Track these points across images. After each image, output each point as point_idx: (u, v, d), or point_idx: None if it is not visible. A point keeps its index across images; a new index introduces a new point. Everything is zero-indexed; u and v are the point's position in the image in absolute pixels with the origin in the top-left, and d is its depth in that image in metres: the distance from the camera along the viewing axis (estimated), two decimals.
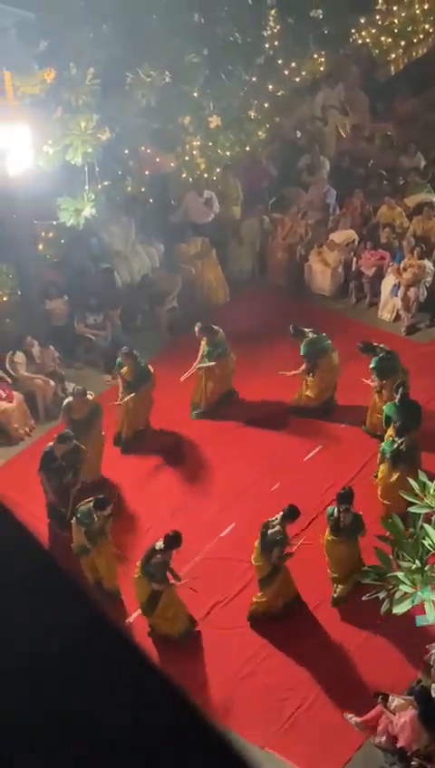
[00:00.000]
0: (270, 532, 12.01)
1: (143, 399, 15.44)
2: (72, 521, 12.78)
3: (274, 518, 12.10)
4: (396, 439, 13.19)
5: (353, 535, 12.34)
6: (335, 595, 12.63)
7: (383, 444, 13.45)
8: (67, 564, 13.09)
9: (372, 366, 14.86)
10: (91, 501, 12.65)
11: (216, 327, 15.94)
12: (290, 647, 12.23)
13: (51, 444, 13.74)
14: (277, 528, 12.00)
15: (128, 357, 15.21)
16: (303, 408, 15.97)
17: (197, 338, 15.88)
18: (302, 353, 15.57)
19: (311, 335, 15.57)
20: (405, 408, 13.91)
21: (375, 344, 15.06)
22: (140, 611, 12.34)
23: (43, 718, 2.10)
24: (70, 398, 14.78)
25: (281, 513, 12.12)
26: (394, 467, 13.15)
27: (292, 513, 12.12)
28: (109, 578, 12.87)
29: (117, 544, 13.25)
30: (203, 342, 15.83)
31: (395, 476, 13.04)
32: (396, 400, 14.01)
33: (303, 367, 15.61)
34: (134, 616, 12.57)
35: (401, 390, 14.04)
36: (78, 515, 12.63)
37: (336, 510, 12.31)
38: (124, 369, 15.27)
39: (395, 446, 13.15)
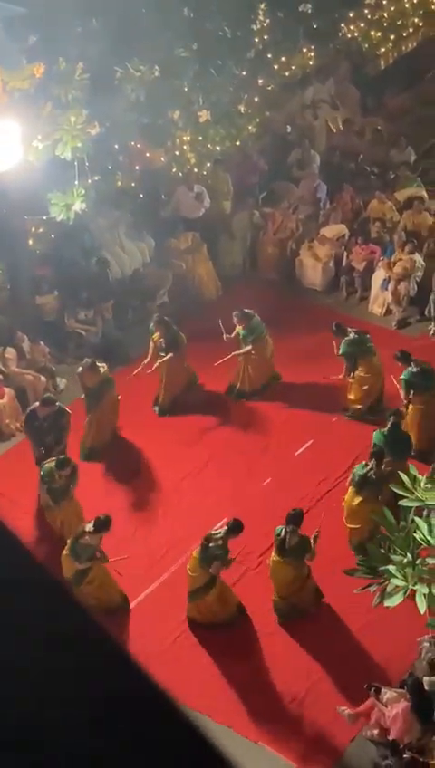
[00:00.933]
0: (211, 545, 11.90)
1: (178, 365, 15.83)
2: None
3: (217, 531, 12.00)
4: (368, 463, 12.83)
5: (299, 557, 12.06)
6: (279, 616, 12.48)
7: (357, 466, 13.04)
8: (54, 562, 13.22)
9: (402, 377, 14.57)
10: (53, 460, 13.11)
11: (249, 311, 15.95)
12: (282, 641, 12.24)
13: (36, 404, 14.32)
14: (220, 543, 11.89)
15: (160, 324, 15.62)
16: (352, 411, 15.76)
17: (235, 323, 15.96)
18: (341, 353, 15.45)
19: (352, 335, 15.41)
20: (393, 438, 13.49)
21: (411, 356, 14.66)
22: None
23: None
24: (80, 369, 15.18)
25: (225, 527, 12.01)
26: (358, 492, 12.78)
27: (236, 528, 11.96)
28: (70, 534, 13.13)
29: (111, 537, 13.30)
30: (239, 328, 15.86)
31: (357, 501, 12.74)
32: (386, 429, 13.57)
33: (344, 369, 15.55)
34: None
35: (392, 419, 13.65)
36: (41, 473, 13.19)
37: (284, 530, 12.05)
38: (156, 336, 15.62)
39: (365, 470, 12.78)
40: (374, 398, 15.68)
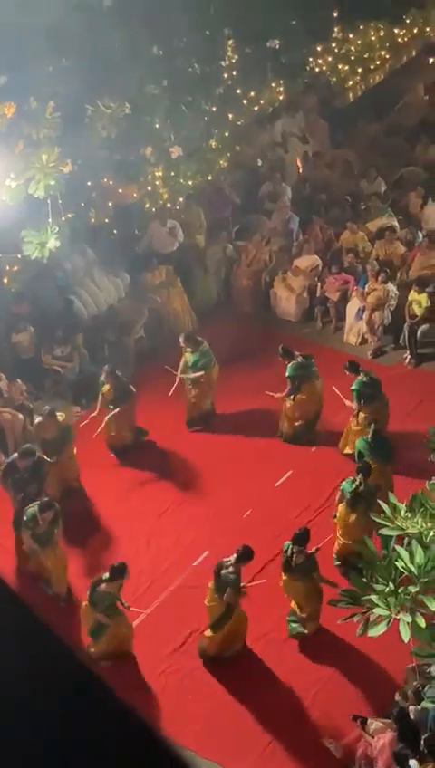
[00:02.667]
0: (223, 572, 11.92)
1: (125, 418, 15.67)
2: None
3: (228, 559, 12.03)
4: (356, 479, 13.02)
5: (307, 574, 12.20)
6: (298, 630, 12.55)
7: (344, 483, 13.26)
8: (32, 596, 13.15)
9: (353, 388, 14.91)
10: (35, 504, 12.93)
11: (199, 338, 16.07)
12: (268, 673, 12.19)
13: (14, 456, 14.03)
14: (230, 569, 11.92)
15: (110, 375, 15.50)
16: (286, 434, 16.06)
17: (181, 347, 16.09)
18: (287, 375, 15.64)
19: (299, 358, 15.64)
20: (377, 444, 13.85)
21: (360, 367, 15.09)
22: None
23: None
24: (39, 418, 14.93)
25: (235, 554, 12.01)
26: (352, 509, 12.93)
27: (246, 555, 11.96)
28: (58, 581, 13.23)
29: (87, 574, 13.29)
30: (187, 353, 15.89)
31: (353, 518, 12.90)
32: (368, 437, 13.93)
33: (287, 389, 15.70)
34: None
35: (373, 426, 14.04)
36: (24, 518, 12.97)
37: (290, 548, 12.20)
38: (106, 388, 15.50)
39: (354, 486, 12.98)
40: (310, 421, 15.96)
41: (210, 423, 16.55)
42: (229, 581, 11.84)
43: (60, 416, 14.85)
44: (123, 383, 15.69)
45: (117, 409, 15.56)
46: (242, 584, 12.02)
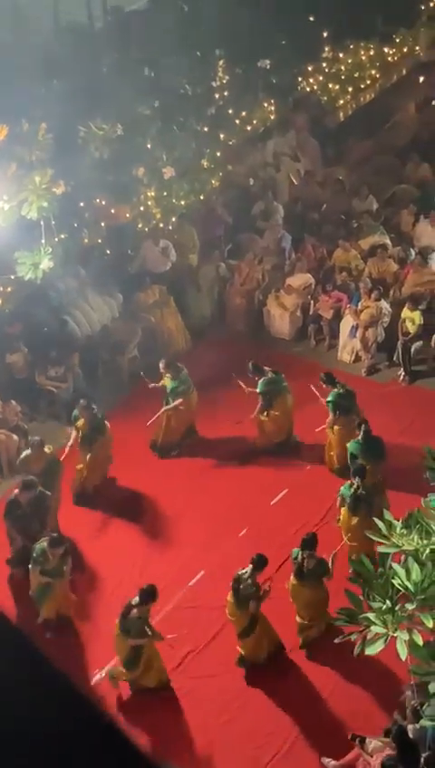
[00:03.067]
0: (242, 586, 11.93)
1: (100, 453, 15.44)
2: (30, 564, 12.81)
3: (243, 571, 12.02)
4: (354, 482, 13.22)
5: (318, 580, 12.30)
6: (302, 640, 12.58)
7: (343, 488, 13.45)
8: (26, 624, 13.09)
9: (328, 399, 15.08)
10: (46, 539, 12.68)
11: (180, 364, 16.07)
12: (265, 693, 12.14)
13: (15, 491, 13.70)
14: (249, 581, 11.94)
15: (85, 410, 15.20)
16: (261, 448, 16.16)
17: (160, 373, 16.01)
18: (259, 390, 15.70)
19: (270, 374, 15.71)
20: (368, 444, 14.08)
21: (337, 379, 15.27)
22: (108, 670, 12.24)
23: None
24: (28, 451, 14.69)
25: (250, 564, 12.05)
26: (354, 512, 13.11)
27: (261, 563, 12.04)
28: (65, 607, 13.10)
29: (87, 601, 13.25)
30: (167, 378, 15.87)
31: (355, 521, 13.04)
32: (359, 437, 14.16)
33: (258, 406, 15.78)
34: (103, 672, 12.46)
35: (363, 427, 14.20)
36: (33, 555, 12.66)
37: (300, 554, 12.31)
38: (80, 422, 15.25)
39: (352, 489, 13.16)
40: (285, 435, 16.13)
41: (183, 447, 16.44)
42: (250, 593, 11.89)
43: (48, 448, 14.64)
44: (98, 419, 15.32)
45: (88, 455, 15.27)
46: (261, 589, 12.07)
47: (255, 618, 12.10)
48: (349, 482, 13.40)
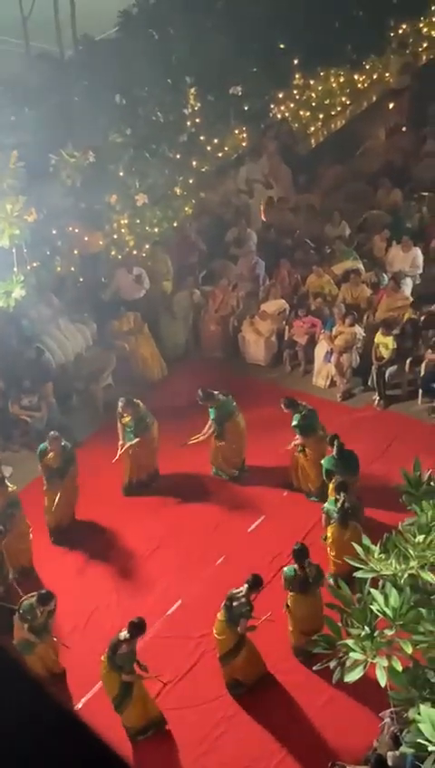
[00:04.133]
0: (235, 604, 11.86)
1: (71, 485, 15.24)
2: (15, 617, 12.43)
3: (238, 590, 11.94)
4: (338, 497, 13.24)
5: (318, 587, 12.33)
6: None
7: (327, 504, 13.46)
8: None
9: (293, 424, 15.09)
10: (34, 595, 12.37)
11: (136, 401, 15.90)
12: (245, 721, 12.04)
13: None
14: (243, 600, 11.85)
15: (55, 441, 14.97)
16: (227, 473, 16.18)
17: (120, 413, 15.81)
18: (211, 418, 15.72)
19: (221, 397, 15.75)
20: (344, 459, 14.19)
21: (298, 402, 15.30)
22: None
23: None
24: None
25: (245, 584, 11.97)
26: (344, 526, 13.17)
27: (256, 583, 12.00)
28: (55, 664, 12.80)
29: (63, 636, 13.09)
30: (126, 417, 15.74)
31: (347, 535, 12.96)
32: (334, 453, 14.23)
33: (209, 430, 15.80)
34: (83, 701, 12.30)
35: (336, 442, 14.28)
36: (21, 611, 12.30)
37: (298, 567, 12.30)
38: (50, 456, 15.00)
39: (339, 504, 13.18)
40: (241, 458, 16.17)
41: (152, 486, 16.24)
42: (243, 612, 11.84)
43: (11, 487, 14.39)
44: (69, 450, 15.14)
45: (59, 490, 15.03)
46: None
47: (242, 640, 12.00)
48: (333, 498, 13.38)
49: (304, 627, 12.38)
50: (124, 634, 11.53)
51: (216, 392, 15.79)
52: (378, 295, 19.23)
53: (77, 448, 15.93)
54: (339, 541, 13.14)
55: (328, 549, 13.44)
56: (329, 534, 13.40)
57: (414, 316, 18.44)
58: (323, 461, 14.40)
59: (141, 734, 11.90)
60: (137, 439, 15.73)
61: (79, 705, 12.24)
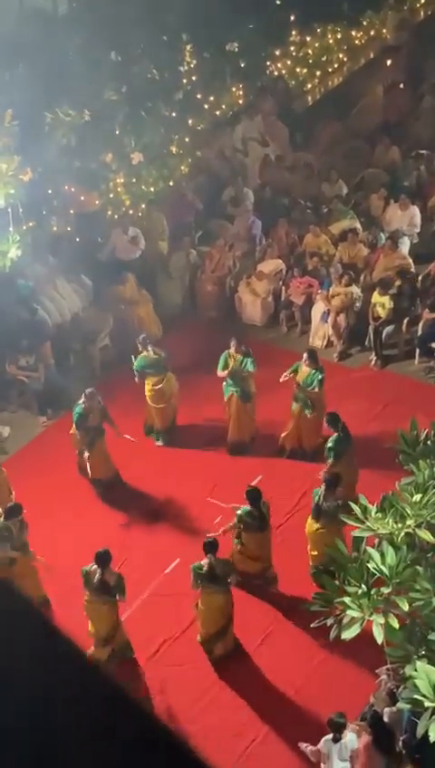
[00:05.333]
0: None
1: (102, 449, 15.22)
2: None
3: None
4: (320, 491, 12.71)
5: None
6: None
7: (316, 489, 12.98)
8: None
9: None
10: (1, 515, 12.72)
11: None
12: (242, 679, 12.13)
13: None
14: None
15: (91, 398, 14.85)
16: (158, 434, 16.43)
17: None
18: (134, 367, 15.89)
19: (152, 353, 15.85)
20: (347, 435, 13.85)
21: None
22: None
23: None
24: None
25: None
26: (315, 519, 12.79)
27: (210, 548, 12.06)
28: (35, 587, 13.03)
29: (59, 590, 13.15)
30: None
31: (316, 527, 12.76)
32: (339, 431, 13.79)
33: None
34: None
35: (341, 424, 13.85)
36: None
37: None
38: (91, 416, 14.80)
39: (317, 498, 12.69)
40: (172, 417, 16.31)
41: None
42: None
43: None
44: (103, 407, 15.00)
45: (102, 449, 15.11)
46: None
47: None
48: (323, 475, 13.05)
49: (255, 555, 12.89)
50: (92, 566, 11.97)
51: (150, 348, 15.82)
52: (375, 255, 19.17)
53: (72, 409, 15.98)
54: (310, 532, 12.95)
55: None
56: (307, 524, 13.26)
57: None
58: (331, 440, 13.90)
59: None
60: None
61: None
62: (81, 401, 14.74)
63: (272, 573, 13.23)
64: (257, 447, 15.90)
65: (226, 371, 15.45)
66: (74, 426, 14.90)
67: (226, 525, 12.90)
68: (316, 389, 14.92)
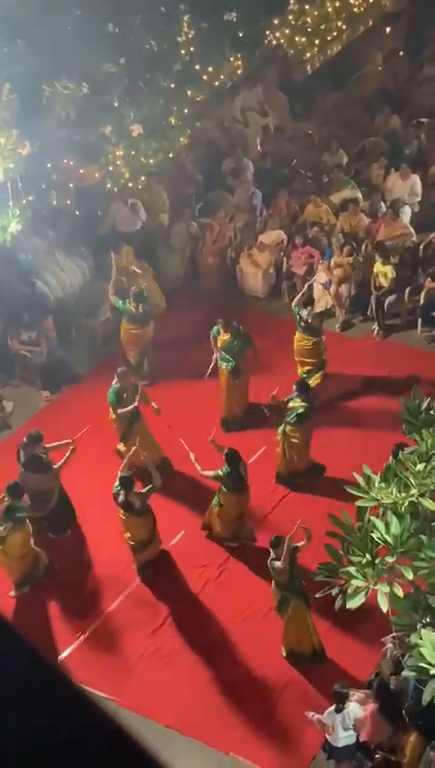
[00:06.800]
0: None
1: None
2: None
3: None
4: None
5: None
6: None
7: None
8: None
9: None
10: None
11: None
12: (248, 649, 12.21)
13: None
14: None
15: (126, 377, 14.72)
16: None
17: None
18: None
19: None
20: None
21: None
22: None
23: None
24: None
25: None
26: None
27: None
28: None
29: (67, 564, 13.24)
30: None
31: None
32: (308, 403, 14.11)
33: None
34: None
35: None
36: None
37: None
38: (126, 396, 14.66)
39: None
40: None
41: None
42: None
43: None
44: (136, 386, 14.94)
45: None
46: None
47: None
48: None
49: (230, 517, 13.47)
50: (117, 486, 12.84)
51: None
52: (376, 224, 19.10)
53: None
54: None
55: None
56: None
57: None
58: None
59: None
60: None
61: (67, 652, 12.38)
62: (113, 382, 14.57)
63: (247, 530, 13.66)
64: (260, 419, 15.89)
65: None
66: (111, 409, 14.61)
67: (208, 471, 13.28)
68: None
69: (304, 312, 15.53)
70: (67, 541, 13.95)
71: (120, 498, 12.85)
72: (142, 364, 16.84)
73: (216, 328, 15.68)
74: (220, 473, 13.14)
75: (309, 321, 15.53)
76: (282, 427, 14.26)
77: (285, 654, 12.00)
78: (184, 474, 14.95)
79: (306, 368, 15.69)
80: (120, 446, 14.82)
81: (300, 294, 15.83)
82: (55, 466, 13.56)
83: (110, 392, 14.56)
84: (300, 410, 13.97)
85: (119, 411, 14.53)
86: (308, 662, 11.97)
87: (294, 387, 14.23)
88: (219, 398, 15.94)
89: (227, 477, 13.14)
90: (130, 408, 14.41)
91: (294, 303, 15.76)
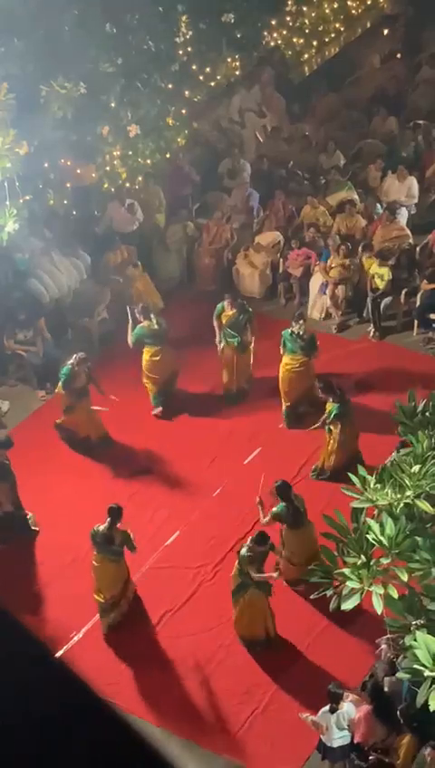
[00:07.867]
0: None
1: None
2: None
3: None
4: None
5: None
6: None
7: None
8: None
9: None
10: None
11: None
12: (241, 651, 12.21)
13: None
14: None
15: (83, 363, 15.23)
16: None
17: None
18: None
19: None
20: (346, 402, 14.11)
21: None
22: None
23: None
24: None
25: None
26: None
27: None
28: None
29: (59, 564, 13.23)
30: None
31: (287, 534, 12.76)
32: (338, 402, 13.97)
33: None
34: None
35: (339, 392, 14.08)
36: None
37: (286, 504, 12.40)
38: (78, 378, 15.26)
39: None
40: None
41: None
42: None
43: None
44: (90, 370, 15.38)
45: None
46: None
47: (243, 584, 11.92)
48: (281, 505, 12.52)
49: (298, 559, 12.44)
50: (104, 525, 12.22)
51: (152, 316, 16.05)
52: (373, 226, 19.12)
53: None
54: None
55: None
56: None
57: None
58: (331, 407, 14.02)
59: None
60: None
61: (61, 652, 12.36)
62: (70, 362, 15.14)
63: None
64: (256, 419, 15.89)
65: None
66: (60, 385, 15.30)
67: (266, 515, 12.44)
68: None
69: (296, 327, 15.31)
70: (61, 539, 13.94)
71: (102, 530, 12.20)
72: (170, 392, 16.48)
73: (221, 304, 16.07)
74: (277, 510, 12.36)
75: (301, 333, 15.33)
76: (327, 428, 14.24)
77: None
78: (180, 473, 14.97)
79: (291, 400, 15.54)
80: (59, 420, 15.59)
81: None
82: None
83: (62, 370, 15.25)
84: (335, 411, 13.91)
85: (63, 391, 15.32)
86: (262, 648, 12.08)
87: (319, 387, 14.31)
88: (219, 375, 16.37)
89: (285, 513, 12.42)
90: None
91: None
